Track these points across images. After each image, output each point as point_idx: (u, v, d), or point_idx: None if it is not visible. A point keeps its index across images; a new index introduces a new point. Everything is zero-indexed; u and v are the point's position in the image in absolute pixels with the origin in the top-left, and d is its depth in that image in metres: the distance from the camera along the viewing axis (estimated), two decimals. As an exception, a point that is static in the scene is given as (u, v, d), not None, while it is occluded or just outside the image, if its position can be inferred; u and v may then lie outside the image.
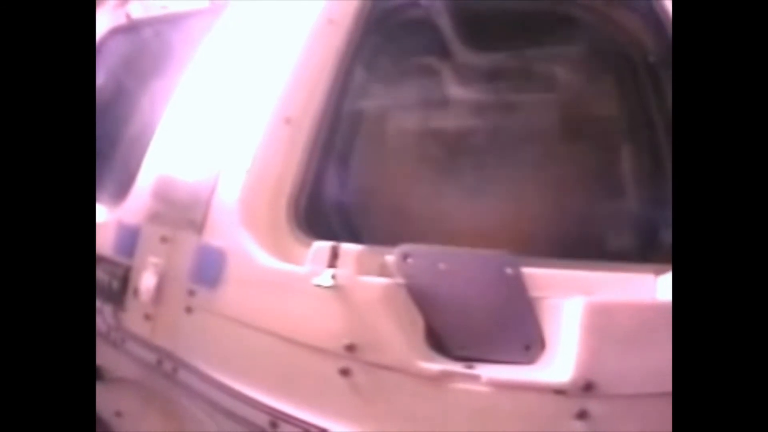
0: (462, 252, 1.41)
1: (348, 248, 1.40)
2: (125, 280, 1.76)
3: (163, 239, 1.68)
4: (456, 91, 1.86)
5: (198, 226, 1.61)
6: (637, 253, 1.57)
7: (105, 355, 1.79)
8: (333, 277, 1.38)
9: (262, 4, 1.82)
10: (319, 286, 1.38)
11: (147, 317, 1.69)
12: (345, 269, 1.38)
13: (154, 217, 1.73)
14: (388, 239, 1.56)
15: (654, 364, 1.31)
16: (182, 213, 1.65)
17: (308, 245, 1.49)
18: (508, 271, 1.37)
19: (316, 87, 1.64)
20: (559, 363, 1.31)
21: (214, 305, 1.56)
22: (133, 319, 1.73)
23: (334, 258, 1.40)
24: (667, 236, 1.61)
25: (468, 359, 1.37)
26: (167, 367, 1.64)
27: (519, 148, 1.78)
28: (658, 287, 1.40)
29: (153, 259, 1.68)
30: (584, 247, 1.60)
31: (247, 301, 1.52)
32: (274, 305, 1.47)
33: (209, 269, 1.56)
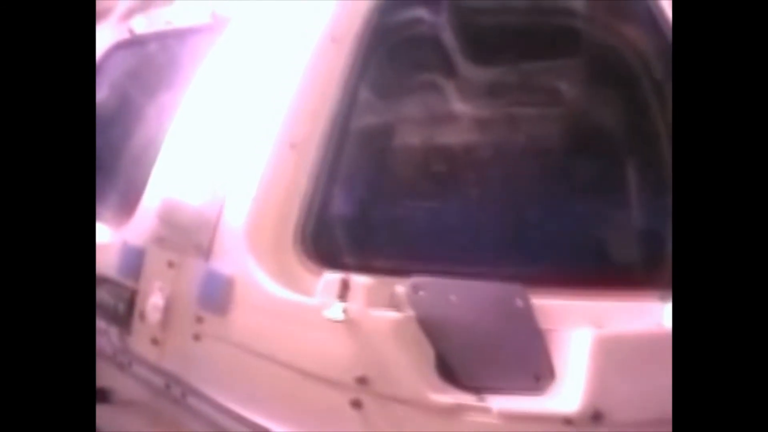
0: (473, 284, 1.41)
1: (358, 281, 1.40)
2: (131, 302, 1.75)
3: (170, 264, 1.67)
4: (461, 106, 1.85)
5: (204, 252, 1.60)
6: (642, 270, 1.58)
7: (112, 378, 1.79)
8: (344, 310, 1.38)
9: (264, 22, 1.80)
10: (330, 319, 1.39)
11: (154, 341, 1.68)
12: (355, 302, 1.39)
13: (160, 241, 1.72)
14: (396, 260, 1.57)
15: (660, 391, 1.33)
16: (188, 238, 1.64)
17: (316, 273, 1.50)
18: (519, 303, 1.38)
19: (321, 110, 1.62)
20: (568, 393, 1.33)
21: (223, 332, 1.56)
22: (139, 342, 1.73)
23: (344, 290, 1.40)
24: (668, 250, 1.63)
25: (478, 389, 1.38)
26: (175, 391, 1.65)
27: (523, 162, 1.78)
28: (664, 314, 1.42)
29: (159, 284, 1.67)
30: (589, 263, 1.61)
31: (256, 329, 1.52)
32: (284, 335, 1.48)
33: (217, 296, 1.56)
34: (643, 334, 1.38)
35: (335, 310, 1.39)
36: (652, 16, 1.76)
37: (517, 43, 1.86)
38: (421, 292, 1.41)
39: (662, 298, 1.44)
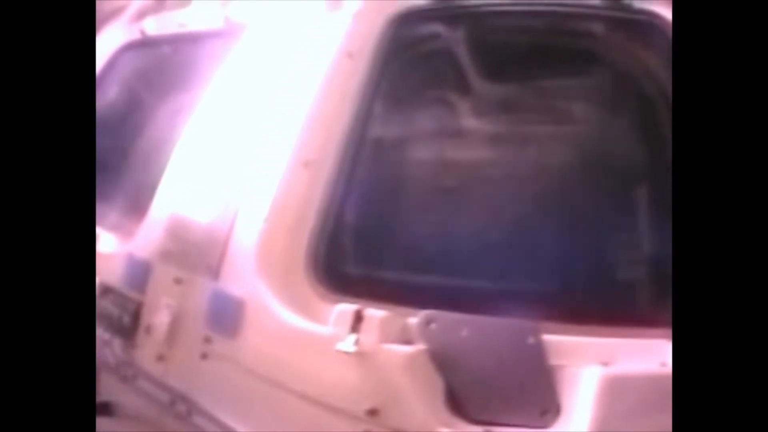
0: (485, 320, 1.41)
1: (371, 313, 1.39)
2: (137, 315, 1.74)
3: (177, 280, 1.65)
4: (474, 123, 1.83)
5: (214, 271, 1.58)
6: (652, 306, 1.58)
7: (115, 390, 1.78)
8: (356, 342, 1.38)
9: (279, 34, 1.76)
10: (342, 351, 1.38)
11: (160, 357, 1.67)
12: (368, 334, 1.38)
13: (168, 256, 1.70)
14: (410, 287, 1.57)
15: (661, 427, 1.36)
16: (197, 255, 1.62)
17: (327, 298, 1.49)
18: (531, 340, 1.38)
19: (336, 128, 1.59)
20: (572, 428, 1.34)
21: (232, 354, 1.55)
22: (145, 356, 1.72)
23: (357, 322, 1.39)
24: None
25: (486, 423, 1.39)
26: (181, 408, 1.64)
27: (534, 182, 1.76)
28: (670, 354, 1.42)
29: (167, 300, 1.66)
30: (600, 297, 1.61)
31: (266, 354, 1.51)
32: (295, 362, 1.47)
33: (226, 317, 1.54)
34: (648, 375, 1.39)
35: (348, 343, 1.38)
36: (666, 41, 1.74)
37: (532, 61, 1.85)
38: (432, 326, 1.40)
39: (669, 337, 1.46)
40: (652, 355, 1.44)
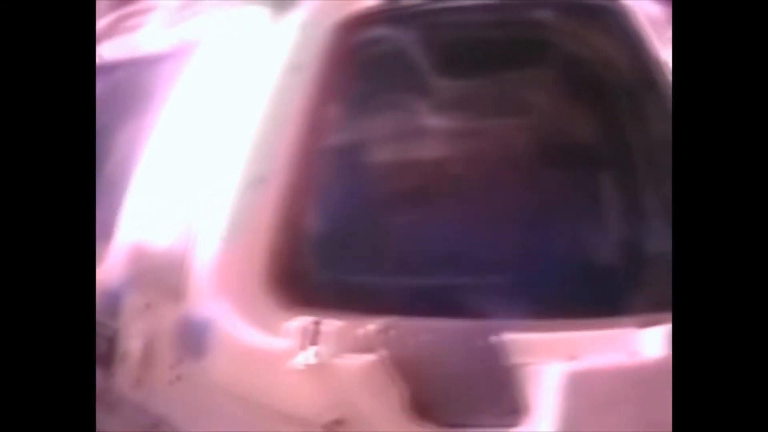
0: (444, 324, 1.41)
1: (329, 324, 1.40)
2: (112, 342, 1.75)
3: (147, 306, 1.67)
4: (432, 120, 1.82)
5: (178, 294, 1.59)
6: (619, 296, 1.56)
7: (100, 418, 1.80)
8: (315, 354, 1.38)
9: (228, 49, 1.77)
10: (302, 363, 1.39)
11: (137, 382, 1.69)
12: (327, 345, 1.39)
13: (135, 281, 1.71)
14: (369, 295, 1.56)
15: (631, 425, 1.35)
16: (162, 280, 1.63)
17: (288, 311, 1.49)
18: (491, 341, 1.38)
19: (286, 141, 1.60)
20: (540, 427, 1.34)
21: (202, 375, 1.56)
22: (124, 383, 1.73)
23: (315, 334, 1.40)
24: (647, 270, 1.62)
25: (453, 425, 1.39)
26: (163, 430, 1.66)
27: (496, 175, 1.75)
28: (641, 341, 1.41)
29: (139, 325, 1.67)
30: (564, 289, 1.60)
31: (232, 372, 1.51)
32: (260, 378, 1.47)
33: (193, 339, 1.55)
34: (616, 366, 1.38)
35: (307, 355, 1.39)
36: (623, 26, 1.72)
37: (488, 55, 1.83)
38: (392, 332, 1.40)
39: (640, 325, 1.44)
40: (621, 345, 1.43)
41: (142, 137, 1.83)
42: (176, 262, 1.61)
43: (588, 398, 1.35)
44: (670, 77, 1.67)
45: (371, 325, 1.41)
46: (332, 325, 1.39)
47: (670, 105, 1.65)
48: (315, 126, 1.65)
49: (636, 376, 1.41)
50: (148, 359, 1.67)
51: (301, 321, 1.41)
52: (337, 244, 1.60)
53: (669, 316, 1.39)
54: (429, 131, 1.79)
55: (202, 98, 1.75)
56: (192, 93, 1.78)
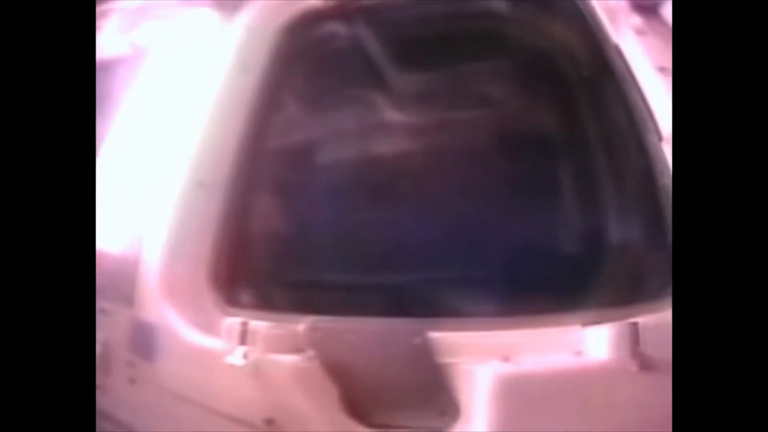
0: (370, 323, 1.38)
1: (257, 325, 1.39)
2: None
3: (103, 311, 1.69)
4: (391, 115, 1.80)
5: (129, 300, 1.62)
6: (564, 293, 1.49)
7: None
8: (244, 355, 1.38)
9: (177, 56, 1.79)
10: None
11: (100, 388, 1.72)
12: (256, 346, 1.38)
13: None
14: (309, 293, 1.55)
15: (570, 428, 1.28)
16: (114, 287, 1.66)
17: (231, 314, 1.49)
18: (416, 340, 1.34)
19: (229, 145, 1.60)
20: (472, 429, 1.29)
21: (152, 378, 1.58)
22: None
23: (243, 335, 1.40)
24: (603, 262, 1.55)
25: (383, 426, 1.36)
26: (120, 435, 1.69)
27: (456, 168, 1.71)
28: (585, 341, 1.34)
29: (97, 333, 1.70)
30: (517, 274, 1.54)
31: (177, 374, 1.54)
32: (201, 378, 1.49)
33: (142, 343, 1.58)
34: (550, 371, 1.30)
35: (236, 356, 1.39)
36: (578, 14, 1.66)
37: (445, 48, 1.80)
38: (319, 333, 1.38)
39: (584, 324, 1.37)
40: (565, 344, 1.36)
41: (99, 142, 1.86)
42: (126, 268, 1.63)
43: (524, 400, 1.29)
44: (626, 64, 1.61)
45: (299, 326, 1.39)
46: (259, 326, 1.39)
47: (626, 91, 1.59)
48: (263, 128, 1.66)
49: (579, 378, 1.34)
50: (107, 365, 1.69)
51: (231, 322, 1.41)
52: (274, 249, 1.60)
53: (617, 314, 1.34)
54: (388, 126, 1.77)
55: (152, 103, 1.77)
56: (143, 98, 1.80)
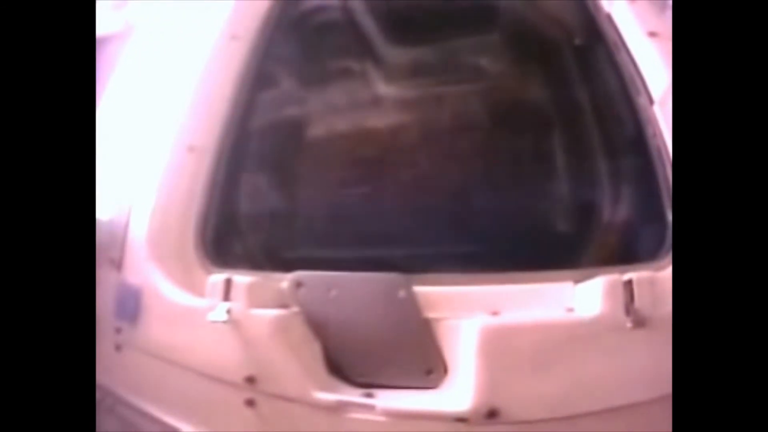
0: (353, 277, 1.36)
1: (240, 280, 1.38)
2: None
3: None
4: (382, 89, 1.80)
5: (117, 264, 1.61)
6: (555, 250, 1.48)
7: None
8: (228, 311, 1.37)
9: (169, 25, 1.80)
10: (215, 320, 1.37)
11: (87, 356, 1.71)
12: (238, 301, 1.37)
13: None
14: (296, 256, 1.54)
15: (561, 386, 1.25)
16: (104, 252, 1.65)
17: (214, 272, 1.48)
18: (401, 294, 1.32)
19: (218, 110, 1.61)
20: (461, 389, 1.26)
21: (137, 342, 1.56)
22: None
23: (227, 290, 1.39)
24: (600, 229, 1.53)
25: (367, 386, 1.33)
26: (108, 402, 1.66)
27: (449, 141, 1.71)
28: (576, 297, 1.32)
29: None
30: (519, 243, 1.52)
31: (162, 336, 1.51)
32: (184, 339, 1.47)
33: (129, 307, 1.57)
34: (539, 325, 1.27)
35: (219, 312, 1.37)
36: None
37: (436, 20, 1.80)
38: (302, 288, 1.37)
39: (577, 279, 1.34)
40: (556, 300, 1.34)
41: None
42: (115, 232, 1.63)
43: (512, 354, 1.25)
44: (617, 31, 1.60)
45: (282, 281, 1.38)
46: (242, 281, 1.37)
47: (617, 58, 1.59)
48: (252, 95, 1.66)
49: (570, 333, 1.30)
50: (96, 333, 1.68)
51: (215, 278, 1.40)
52: (262, 214, 1.60)
53: (610, 272, 1.32)
54: (379, 99, 1.78)
55: (145, 70, 1.78)
56: (133, 65, 1.81)
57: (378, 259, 1.45)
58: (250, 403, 1.36)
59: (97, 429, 1.70)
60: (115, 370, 1.65)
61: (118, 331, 1.61)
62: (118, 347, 1.62)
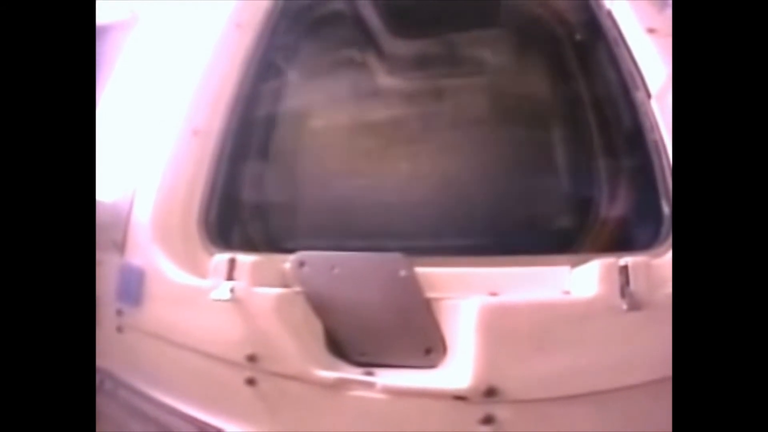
0: (356, 256, 1.38)
1: (244, 260, 1.39)
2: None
3: (98, 263, 1.70)
4: (385, 80, 1.83)
5: (120, 247, 1.63)
6: (553, 235, 1.50)
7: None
8: (231, 290, 1.38)
9: (174, 12, 1.83)
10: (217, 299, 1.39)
11: (88, 340, 1.72)
12: (242, 280, 1.38)
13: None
14: (298, 238, 1.56)
15: (559, 365, 1.26)
16: (107, 235, 1.67)
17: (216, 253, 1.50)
18: (402, 273, 1.34)
19: (223, 95, 1.64)
20: (460, 368, 1.27)
21: (139, 323, 1.58)
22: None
23: (231, 270, 1.40)
24: (597, 219, 1.55)
25: (370, 365, 1.35)
26: (108, 386, 1.67)
27: (450, 133, 1.73)
28: (572, 281, 1.34)
29: (89, 283, 1.71)
30: (518, 230, 1.55)
31: (165, 317, 1.53)
32: (187, 319, 1.48)
33: (131, 288, 1.58)
34: (536, 304, 1.28)
35: (222, 290, 1.39)
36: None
37: (440, 14, 1.84)
38: (305, 267, 1.38)
39: (574, 264, 1.37)
40: (553, 282, 1.36)
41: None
42: (118, 215, 1.64)
43: (510, 334, 1.26)
44: (617, 28, 1.64)
45: (285, 261, 1.40)
46: (246, 260, 1.39)
47: (617, 53, 1.63)
48: (252, 82, 1.69)
49: (567, 313, 1.31)
50: (98, 316, 1.69)
51: (219, 258, 1.42)
52: (265, 196, 1.62)
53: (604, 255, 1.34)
54: (382, 91, 1.81)
55: (148, 54, 1.80)
56: (140, 54, 1.84)
57: (380, 246, 1.47)
58: (250, 381, 1.37)
59: (98, 411, 1.71)
60: (115, 353, 1.66)
61: (120, 313, 1.62)
62: (119, 329, 1.63)
